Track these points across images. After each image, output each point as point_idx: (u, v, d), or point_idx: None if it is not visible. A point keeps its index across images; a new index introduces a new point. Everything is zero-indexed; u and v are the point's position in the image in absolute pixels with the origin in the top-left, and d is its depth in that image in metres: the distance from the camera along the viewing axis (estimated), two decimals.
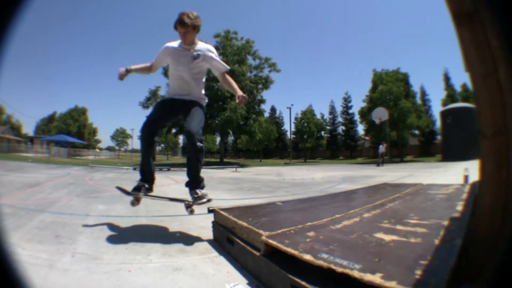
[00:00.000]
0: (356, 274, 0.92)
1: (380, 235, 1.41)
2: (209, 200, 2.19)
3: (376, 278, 0.88)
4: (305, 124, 36.98)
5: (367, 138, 36.09)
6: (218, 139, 44.11)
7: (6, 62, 0.77)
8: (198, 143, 2.06)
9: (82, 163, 16.20)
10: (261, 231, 1.44)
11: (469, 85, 1.06)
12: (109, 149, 71.97)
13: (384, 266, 0.99)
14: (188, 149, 2.18)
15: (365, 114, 27.91)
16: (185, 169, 2.26)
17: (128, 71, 2.30)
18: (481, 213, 1.04)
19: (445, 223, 1.58)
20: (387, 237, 1.36)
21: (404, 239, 1.33)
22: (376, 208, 2.21)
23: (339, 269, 0.97)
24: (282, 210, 2.34)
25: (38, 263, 1.51)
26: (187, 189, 2.27)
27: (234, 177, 8.70)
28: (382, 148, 18.89)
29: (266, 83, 23.73)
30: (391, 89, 25.91)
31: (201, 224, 2.49)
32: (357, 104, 57.22)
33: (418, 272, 0.92)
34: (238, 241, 1.60)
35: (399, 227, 1.56)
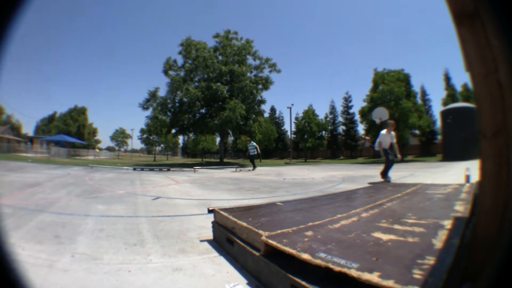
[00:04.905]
0: (353, 273, 0.92)
1: (378, 234, 1.41)
2: None
3: (373, 277, 0.87)
4: (306, 124, 36.98)
5: (367, 138, 36.04)
6: (218, 139, 44.17)
7: (6, 62, 0.77)
8: None
9: (82, 163, 16.20)
10: (260, 231, 1.44)
11: (470, 85, 1.06)
12: (108, 149, 72.00)
13: (382, 265, 0.98)
14: None
15: (365, 113, 27.87)
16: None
17: None
18: (481, 213, 1.04)
19: (443, 222, 1.58)
20: (385, 237, 1.36)
21: (402, 238, 1.33)
22: (375, 208, 2.20)
23: (337, 268, 0.96)
24: (282, 210, 2.33)
25: (38, 263, 1.51)
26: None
27: (234, 177, 8.69)
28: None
29: (266, 83, 23.68)
30: (392, 89, 25.88)
31: (201, 224, 2.49)
32: (358, 104, 57.35)
33: (416, 271, 0.92)
34: (238, 241, 1.59)
35: (396, 226, 1.56)
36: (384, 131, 6.78)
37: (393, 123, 7.05)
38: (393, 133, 6.86)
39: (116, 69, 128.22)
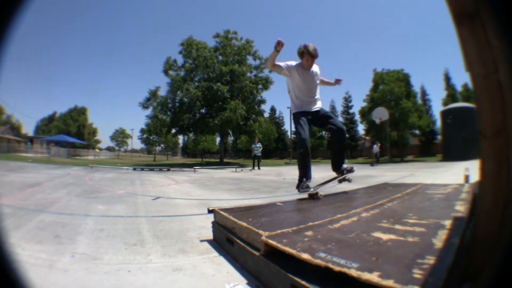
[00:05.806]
0: (353, 273, 0.91)
1: (378, 234, 1.40)
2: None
3: (373, 277, 0.87)
4: None
5: (367, 138, 36.06)
6: (218, 139, 44.16)
7: (6, 62, 0.77)
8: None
9: (82, 163, 16.21)
10: (261, 231, 1.44)
11: (470, 85, 1.06)
12: (108, 149, 72.08)
13: (382, 265, 0.98)
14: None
15: (365, 114, 27.93)
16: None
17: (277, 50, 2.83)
18: (481, 213, 1.04)
19: (443, 222, 1.58)
20: (385, 236, 1.36)
21: (402, 238, 1.33)
22: (375, 208, 2.20)
23: (337, 268, 0.96)
24: (282, 210, 2.33)
25: (38, 263, 1.51)
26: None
27: (234, 177, 8.69)
28: (376, 148, 19.63)
29: (266, 83, 23.72)
30: (392, 89, 25.93)
31: (201, 224, 2.49)
32: (358, 104, 57.32)
33: (416, 271, 0.92)
34: (238, 241, 1.59)
35: (397, 226, 1.56)
36: (294, 63, 3.06)
37: (313, 47, 2.98)
38: (316, 71, 3.19)
39: (116, 69, 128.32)
